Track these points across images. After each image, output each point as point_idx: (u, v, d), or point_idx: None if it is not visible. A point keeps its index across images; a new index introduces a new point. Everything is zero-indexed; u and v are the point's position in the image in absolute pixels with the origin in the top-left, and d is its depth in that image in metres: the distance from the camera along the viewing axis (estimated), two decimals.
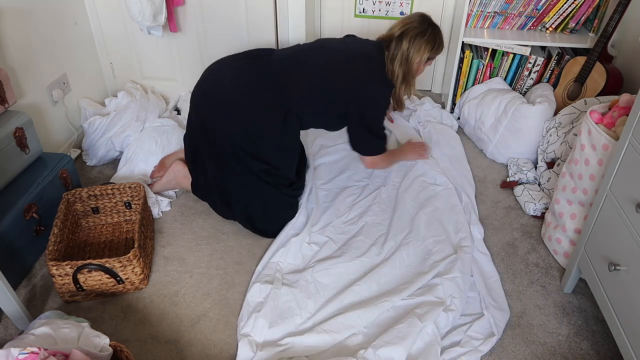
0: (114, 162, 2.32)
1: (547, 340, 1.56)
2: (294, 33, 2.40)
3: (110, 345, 1.30)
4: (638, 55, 2.10)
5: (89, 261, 1.57)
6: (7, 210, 1.66)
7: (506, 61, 2.46)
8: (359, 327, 1.53)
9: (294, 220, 1.91)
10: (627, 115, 1.43)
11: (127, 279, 1.64)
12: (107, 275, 1.61)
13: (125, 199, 1.93)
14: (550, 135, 2.15)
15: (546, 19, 2.41)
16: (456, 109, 2.63)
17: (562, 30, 2.44)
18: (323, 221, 1.94)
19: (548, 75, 2.45)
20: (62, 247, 1.71)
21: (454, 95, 2.62)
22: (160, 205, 2.03)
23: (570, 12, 2.36)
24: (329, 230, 1.90)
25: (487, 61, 2.47)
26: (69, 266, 1.56)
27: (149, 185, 2.08)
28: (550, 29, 2.44)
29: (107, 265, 1.59)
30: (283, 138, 1.80)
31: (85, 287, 1.62)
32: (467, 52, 2.47)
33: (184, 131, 2.35)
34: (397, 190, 2.10)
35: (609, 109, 1.65)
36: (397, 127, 2.38)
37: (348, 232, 1.89)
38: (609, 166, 1.44)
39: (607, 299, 1.42)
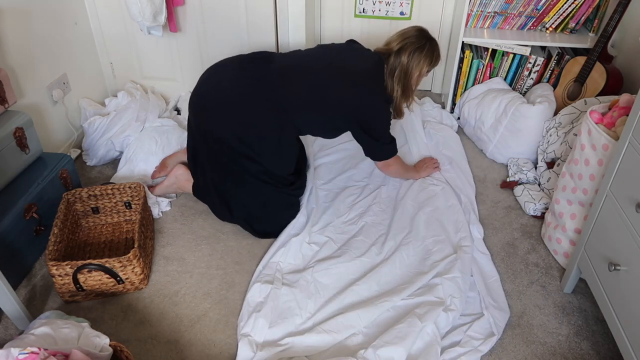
0: (114, 162, 2.32)
1: (547, 340, 1.56)
2: (294, 33, 2.40)
3: (110, 345, 1.30)
4: (638, 55, 2.10)
5: (89, 261, 1.57)
6: (7, 210, 1.66)
7: (506, 61, 2.46)
8: (359, 327, 1.53)
9: (294, 220, 1.91)
10: (627, 115, 1.43)
11: (127, 279, 1.64)
12: (107, 275, 1.61)
13: (125, 199, 1.94)
14: (550, 135, 2.15)
15: (546, 19, 2.41)
16: (456, 109, 2.63)
17: (562, 30, 2.44)
18: (323, 221, 1.94)
19: (548, 75, 2.45)
20: (62, 247, 1.71)
21: (454, 95, 2.62)
22: (160, 205, 2.03)
23: (570, 12, 2.36)
24: (329, 230, 1.90)
25: (487, 61, 2.47)
26: (69, 266, 1.56)
27: (150, 187, 2.08)
28: (550, 29, 2.44)
29: (107, 265, 1.59)
30: (280, 143, 1.80)
31: (85, 287, 1.62)
32: (467, 52, 2.47)
33: (184, 131, 2.37)
34: (397, 190, 2.10)
35: (609, 109, 1.65)
36: (413, 140, 2.37)
37: (348, 232, 1.90)
38: (609, 166, 1.44)
39: (607, 299, 1.42)
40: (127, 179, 2.16)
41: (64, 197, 1.82)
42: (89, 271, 1.59)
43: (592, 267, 1.52)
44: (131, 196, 1.93)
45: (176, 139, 2.29)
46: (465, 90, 2.57)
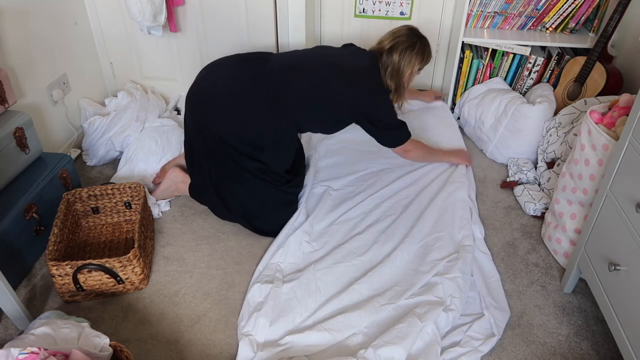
0: (114, 162, 2.32)
1: (547, 340, 1.56)
2: (294, 33, 2.40)
3: (110, 345, 1.30)
4: (638, 55, 2.10)
5: (89, 261, 1.57)
6: (7, 210, 1.66)
7: (506, 61, 2.46)
8: (360, 327, 1.53)
9: (293, 219, 1.92)
10: (627, 115, 1.43)
11: (127, 279, 1.64)
12: (107, 275, 1.61)
13: (125, 199, 1.94)
14: (550, 135, 2.15)
15: (546, 19, 2.41)
16: (456, 109, 2.63)
17: (562, 30, 2.44)
18: (325, 220, 1.94)
19: (548, 75, 2.45)
20: (62, 247, 1.71)
21: (454, 95, 2.62)
22: (160, 206, 2.03)
23: (570, 12, 2.36)
24: (331, 229, 1.90)
25: (487, 61, 2.47)
26: (69, 266, 1.56)
27: (150, 192, 2.07)
28: (550, 29, 2.44)
29: (107, 265, 1.59)
30: (277, 140, 1.81)
31: (85, 287, 1.62)
32: (467, 52, 2.47)
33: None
34: (401, 189, 2.09)
35: (609, 109, 1.65)
36: (444, 134, 2.38)
37: (349, 232, 1.89)
38: (609, 166, 1.44)
39: (607, 299, 1.42)
40: (127, 179, 2.16)
41: (64, 197, 1.82)
42: (89, 271, 1.59)
43: (592, 267, 1.52)
44: (131, 196, 1.93)
45: (176, 139, 2.30)
46: (465, 90, 2.57)
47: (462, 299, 1.61)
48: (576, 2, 2.32)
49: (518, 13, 2.43)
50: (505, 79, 2.51)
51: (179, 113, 2.60)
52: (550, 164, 2.15)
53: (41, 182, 1.82)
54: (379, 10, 2.68)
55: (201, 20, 2.42)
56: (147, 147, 2.23)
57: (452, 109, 2.66)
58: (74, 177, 2.02)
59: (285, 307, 1.59)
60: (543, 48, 2.50)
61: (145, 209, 1.89)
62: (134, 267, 1.62)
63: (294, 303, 1.61)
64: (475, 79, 2.54)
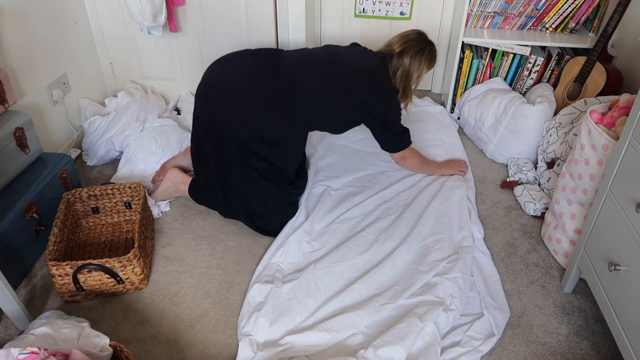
0: (114, 162, 2.32)
1: (547, 340, 1.56)
2: (294, 33, 2.40)
3: (110, 345, 1.30)
4: (638, 55, 2.10)
5: (89, 261, 1.57)
6: (7, 210, 1.66)
7: (506, 61, 2.46)
8: (360, 327, 1.53)
9: (293, 219, 1.92)
10: (627, 115, 1.43)
11: (127, 279, 1.64)
12: (107, 275, 1.61)
13: (125, 199, 1.94)
14: (550, 135, 2.15)
15: (546, 19, 2.41)
16: (456, 109, 2.63)
17: (562, 30, 2.44)
18: (325, 219, 1.94)
19: (548, 75, 2.45)
20: (62, 247, 1.71)
21: (454, 95, 2.62)
22: (160, 206, 2.03)
23: (570, 12, 2.36)
24: (331, 228, 1.90)
25: (487, 61, 2.47)
26: (69, 266, 1.56)
27: (149, 193, 2.07)
28: (550, 29, 2.44)
29: (107, 265, 1.59)
30: (288, 139, 1.82)
31: (85, 287, 1.62)
32: (467, 52, 2.47)
33: (184, 131, 2.37)
34: (401, 191, 2.09)
35: (609, 109, 1.65)
36: (444, 145, 2.38)
37: (349, 231, 1.89)
38: (609, 166, 1.44)
39: (607, 299, 1.42)
40: (127, 179, 2.16)
41: (64, 197, 1.82)
42: (89, 271, 1.59)
43: (592, 267, 1.52)
44: (131, 196, 1.93)
45: (176, 139, 2.30)
46: (465, 90, 2.57)
47: (462, 299, 1.61)
48: (576, 2, 2.32)
49: (518, 13, 2.43)
50: (505, 79, 2.51)
51: (179, 113, 2.59)
52: (550, 164, 2.15)
53: (41, 182, 1.82)
54: (379, 10, 2.68)
55: (201, 20, 2.42)
56: (147, 147, 2.23)
57: (452, 109, 2.66)
58: (74, 177, 2.02)
59: (285, 307, 1.59)
60: (543, 48, 2.50)
61: (145, 209, 1.89)
62: (134, 267, 1.62)
63: (294, 303, 1.61)
64: (475, 79, 2.54)
